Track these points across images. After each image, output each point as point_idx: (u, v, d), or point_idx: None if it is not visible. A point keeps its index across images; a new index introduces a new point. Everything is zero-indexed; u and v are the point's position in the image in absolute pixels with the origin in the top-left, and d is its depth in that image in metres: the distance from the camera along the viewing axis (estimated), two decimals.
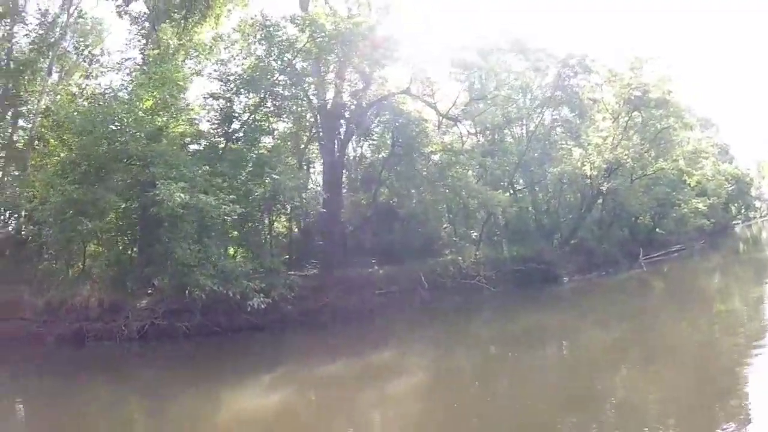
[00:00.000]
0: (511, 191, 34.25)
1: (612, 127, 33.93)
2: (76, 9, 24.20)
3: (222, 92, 21.62)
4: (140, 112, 17.88)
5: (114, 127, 17.97)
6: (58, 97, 22.39)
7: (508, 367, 15.11)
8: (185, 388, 13.91)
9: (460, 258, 27.01)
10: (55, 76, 24.57)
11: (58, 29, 23.64)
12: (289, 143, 26.20)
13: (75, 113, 18.62)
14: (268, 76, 20.90)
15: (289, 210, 24.65)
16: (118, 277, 19.79)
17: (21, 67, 22.53)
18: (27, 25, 23.45)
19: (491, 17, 35.58)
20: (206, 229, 18.17)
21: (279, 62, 20.95)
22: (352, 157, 29.45)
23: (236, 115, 21.93)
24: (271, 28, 21.12)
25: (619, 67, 33.13)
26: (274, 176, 19.16)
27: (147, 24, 22.57)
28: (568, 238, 34.02)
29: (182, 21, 21.69)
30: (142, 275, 18.86)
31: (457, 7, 36.34)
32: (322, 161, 27.48)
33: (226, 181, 18.58)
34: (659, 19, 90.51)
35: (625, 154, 31.97)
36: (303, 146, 26.17)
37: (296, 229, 27.97)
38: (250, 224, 21.93)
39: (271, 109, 23.28)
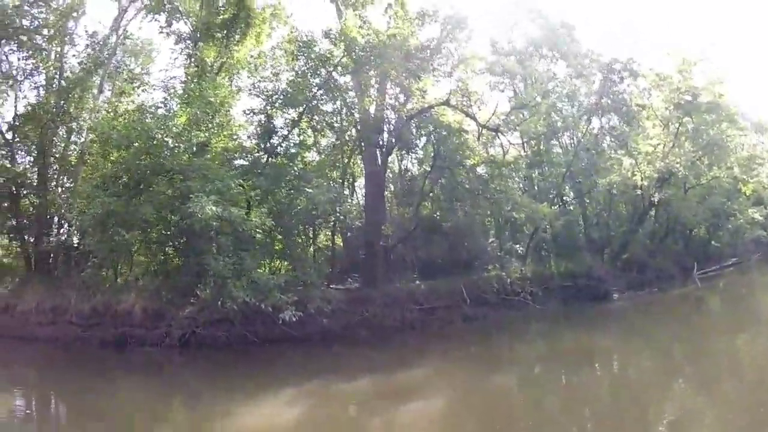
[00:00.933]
0: (560, 204, 33.31)
1: (662, 134, 32.15)
2: (123, 30, 25.28)
3: (262, 108, 21.86)
4: (174, 128, 18.10)
5: (152, 142, 18.19)
6: (107, 114, 23.20)
7: (553, 389, 14.33)
8: (215, 395, 14.02)
9: (503, 273, 26.21)
10: (107, 94, 25.57)
11: (107, 50, 24.73)
12: (331, 157, 26.23)
13: (112, 129, 19.00)
14: (306, 92, 20.99)
15: (332, 223, 24.58)
16: (162, 286, 20.15)
17: (71, 86, 23.53)
18: (76, 45, 24.73)
19: (531, 19, 34.46)
20: (243, 241, 18.19)
21: (317, 77, 21.01)
22: (396, 171, 29.15)
23: (276, 130, 22.09)
24: (309, 44, 21.27)
25: (666, 70, 31.36)
26: (308, 190, 19.09)
27: (190, 43, 23.10)
28: (619, 252, 32.55)
29: (224, 39, 22.07)
30: (184, 285, 19.07)
31: (495, 10, 35.29)
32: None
33: (261, 195, 18.62)
34: (706, 16, 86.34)
35: (677, 162, 30.02)
36: (346, 160, 26.11)
37: (341, 243, 27.90)
38: (292, 237, 21.98)
39: (312, 124, 23.36)
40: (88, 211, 17.94)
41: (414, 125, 25.57)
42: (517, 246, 30.33)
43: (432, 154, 26.74)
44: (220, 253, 17.23)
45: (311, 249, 24.81)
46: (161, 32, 23.21)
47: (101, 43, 24.75)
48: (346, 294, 22.46)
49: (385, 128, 24.99)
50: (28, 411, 13.49)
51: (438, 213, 28.10)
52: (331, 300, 19.74)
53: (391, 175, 27.94)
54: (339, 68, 21.35)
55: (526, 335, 22.55)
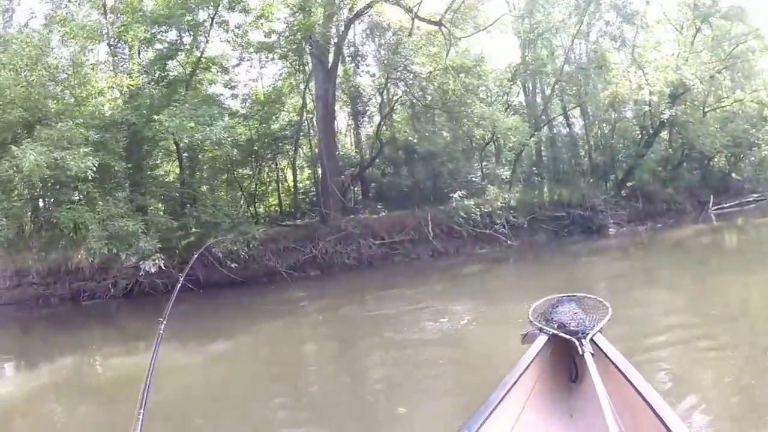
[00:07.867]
0: (566, 123, 30.49)
1: (676, 42, 28.45)
2: None
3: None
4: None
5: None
6: None
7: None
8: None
9: (472, 202, 22.86)
10: None
11: None
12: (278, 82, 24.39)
13: None
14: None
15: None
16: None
17: None
18: None
19: None
20: (112, 187, 17.05)
21: None
22: (349, 88, 25.69)
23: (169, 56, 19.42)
24: None
25: None
26: (156, 117, 15.93)
27: None
28: (625, 180, 29.20)
29: None
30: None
31: None
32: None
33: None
34: None
35: (692, 74, 25.64)
36: (300, 84, 23.89)
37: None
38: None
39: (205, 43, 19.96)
40: None
41: (359, 35, 23.08)
42: (501, 171, 27.08)
43: (383, 64, 23.43)
44: (88, 203, 15.73)
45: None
46: None
47: None
48: (294, 231, 21.05)
49: (325, 38, 21.50)
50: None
51: (414, 137, 25.55)
52: (250, 241, 18.04)
53: (343, 93, 25.20)
54: None
55: (496, 274, 19.42)
